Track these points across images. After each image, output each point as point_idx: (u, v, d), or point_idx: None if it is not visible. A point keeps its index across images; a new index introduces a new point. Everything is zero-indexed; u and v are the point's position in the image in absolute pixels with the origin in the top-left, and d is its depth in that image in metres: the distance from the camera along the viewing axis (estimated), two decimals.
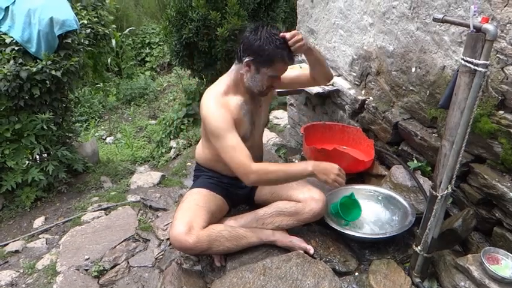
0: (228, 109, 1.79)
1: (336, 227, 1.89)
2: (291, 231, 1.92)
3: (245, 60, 1.76)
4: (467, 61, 1.29)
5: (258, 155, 2.06)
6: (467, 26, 1.28)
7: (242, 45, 1.77)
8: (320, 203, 1.84)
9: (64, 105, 3.47)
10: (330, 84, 2.84)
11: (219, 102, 1.79)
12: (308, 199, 1.85)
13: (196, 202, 1.85)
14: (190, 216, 1.76)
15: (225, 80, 1.88)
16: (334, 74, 2.96)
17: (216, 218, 1.89)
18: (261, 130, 2.09)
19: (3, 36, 3.01)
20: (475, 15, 1.26)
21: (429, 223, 1.53)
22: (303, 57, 3.28)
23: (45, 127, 3.13)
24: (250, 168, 1.68)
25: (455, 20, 1.41)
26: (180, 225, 1.72)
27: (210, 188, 1.97)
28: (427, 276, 1.69)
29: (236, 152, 1.71)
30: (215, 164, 2.02)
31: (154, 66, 8.52)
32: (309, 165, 1.73)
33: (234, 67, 1.88)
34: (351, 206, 2.03)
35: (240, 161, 1.70)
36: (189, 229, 1.70)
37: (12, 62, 2.92)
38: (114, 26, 4.50)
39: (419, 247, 1.60)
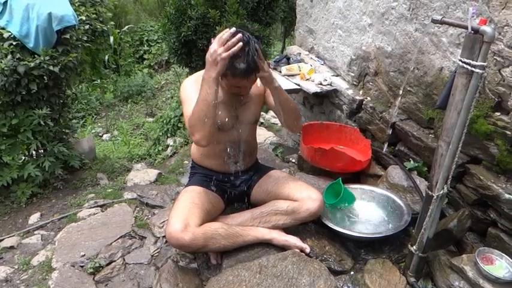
0: None
1: (332, 226, 1.89)
2: (287, 230, 1.92)
3: None
4: (464, 62, 1.30)
5: (247, 152, 2.04)
6: (466, 28, 1.29)
7: None
8: (317, 202, 1.84)
9: (61, 101, 3.45)
10: (328, 84, 2.85)
11: (195, 80, 1.82)
12: (305, 198, 1.85)
13: (192, 200, 1.85)
14: (186, 214, 1.76)
15: None
16: (332, 74, 2.98)
17: (211, 215, 1.89)
18: (248, 128, 2.00)
19: (1, 30, 3.00)
20: (473, 17, 1.26)
21: (425, 223, 1.54)
22: (301, 56, 3.29)
23: (42, 123, 3.11)
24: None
25: (453, 21, 1.41)
26: (176, 223, 1.72)
27: (204, 185, 1.97)
28: (421, 276, 1.70)
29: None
30: (205, 160, 2.03)
31: (152, 64, 8.51)
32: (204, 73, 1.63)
33: None
34: (340, 195, 2.07)
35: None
36: (185, 226, 1.70)
37: (10, 56, 2.90)
38: (112, 22, 4.49)
39: (414, 247, 1.61)
